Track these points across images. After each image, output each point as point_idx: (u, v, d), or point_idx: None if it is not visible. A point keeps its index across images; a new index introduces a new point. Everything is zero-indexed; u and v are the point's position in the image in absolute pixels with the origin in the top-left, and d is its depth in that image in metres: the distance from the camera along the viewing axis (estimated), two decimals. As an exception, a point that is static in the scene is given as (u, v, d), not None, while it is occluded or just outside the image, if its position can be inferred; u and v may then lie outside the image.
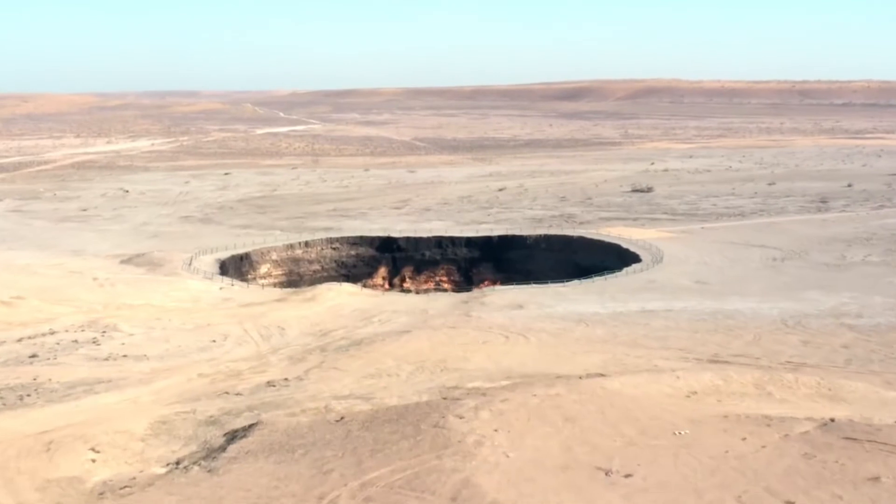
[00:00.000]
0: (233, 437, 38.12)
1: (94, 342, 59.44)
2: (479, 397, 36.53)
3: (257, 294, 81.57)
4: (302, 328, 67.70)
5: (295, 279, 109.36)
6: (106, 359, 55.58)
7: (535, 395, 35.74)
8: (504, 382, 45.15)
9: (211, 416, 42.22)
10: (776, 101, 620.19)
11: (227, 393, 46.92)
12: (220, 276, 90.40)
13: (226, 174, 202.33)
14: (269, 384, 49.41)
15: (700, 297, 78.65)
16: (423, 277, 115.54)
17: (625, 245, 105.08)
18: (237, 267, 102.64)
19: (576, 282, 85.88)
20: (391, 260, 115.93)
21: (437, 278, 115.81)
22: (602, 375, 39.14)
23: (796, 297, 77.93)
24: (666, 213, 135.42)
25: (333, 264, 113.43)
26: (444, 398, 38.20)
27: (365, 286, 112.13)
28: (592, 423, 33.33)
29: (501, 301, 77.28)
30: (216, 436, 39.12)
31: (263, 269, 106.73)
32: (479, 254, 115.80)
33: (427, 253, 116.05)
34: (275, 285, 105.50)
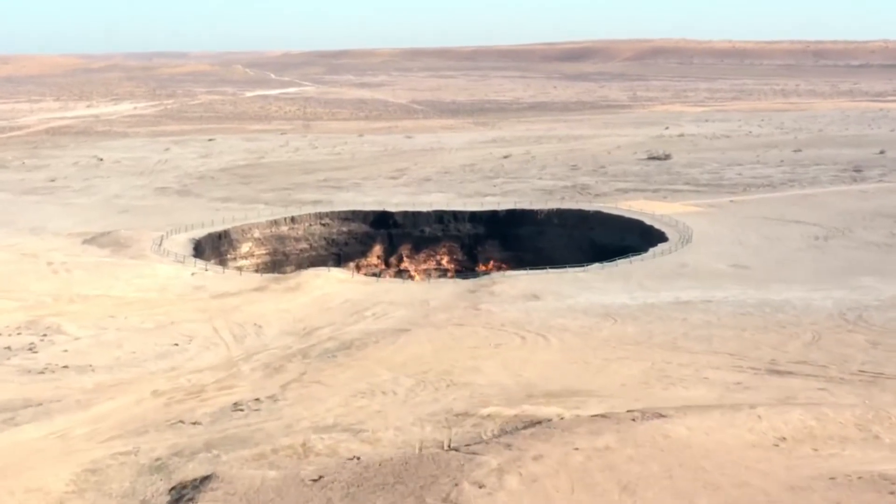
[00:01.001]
0: (179, 496, 29.65)
1: (30, 349, 50.91)
2: (502, 451, 28.01)
3: (234, 281, 72.97)
4: (282, 325, 59.25)
5: (280, 259, 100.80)
6: (42, 371, 47.09)
7: (577, 449, 27.30)
8: (528, 409, 36.72)
9: (157, 459, 33.81)
10: (790, 62, 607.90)
11: (182, 422, 38.50)
12: (194, 259, 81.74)
13: (210, 140, 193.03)
14: (237, 407, 40.99)
15: (740, 284, 70.19)
16: (422, 256, 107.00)
17: (648, 221, 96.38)
18: (215, 247, 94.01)
19: (597, 266, 77.30)
20: (387, 237, 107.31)
21: (438, 257, 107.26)
22: (661, 416, 30.65)
23: (849, 285, 69.53)
24: (688, 183, 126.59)
25: (323, 242, 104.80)
26: (455, 448, 29.68)
27: (358, 267, 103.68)
28: (659, 494, 24.88)
29: (514, 290, 68.76)
30: (159, 492, 30.69)
31: (244, 248, 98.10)
32: (484, 230, 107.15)
33: (427, 229, 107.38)
34: (257, 267, 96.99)
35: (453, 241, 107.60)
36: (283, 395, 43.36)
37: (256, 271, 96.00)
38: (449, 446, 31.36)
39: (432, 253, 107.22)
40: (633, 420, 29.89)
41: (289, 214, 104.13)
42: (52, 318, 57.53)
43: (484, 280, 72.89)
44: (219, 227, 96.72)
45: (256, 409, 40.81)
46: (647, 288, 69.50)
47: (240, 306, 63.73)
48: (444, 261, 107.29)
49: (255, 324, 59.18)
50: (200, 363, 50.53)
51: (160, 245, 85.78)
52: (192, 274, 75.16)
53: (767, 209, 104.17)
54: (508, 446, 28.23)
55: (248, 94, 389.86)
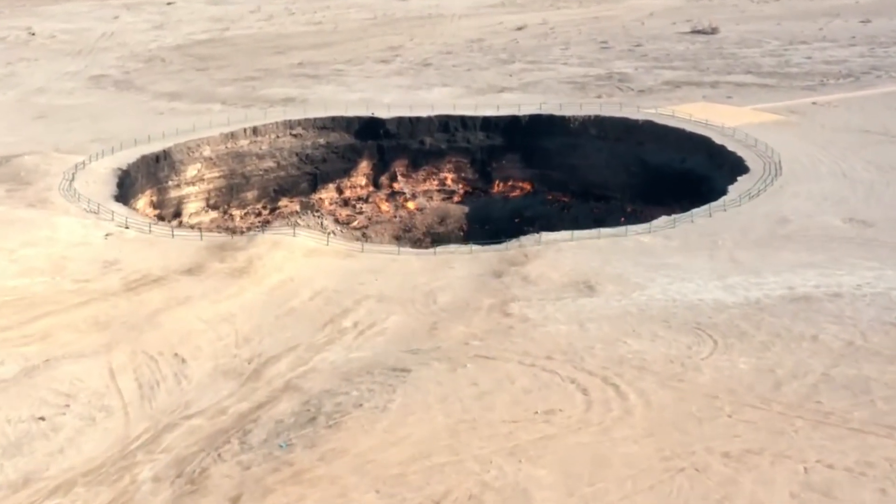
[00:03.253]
0: None
1: None
2: None
3: (159, 250, 54.22)
4: (217, 354, 41.11)
5: (238, 184, 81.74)
6: None
7: None
8: None
9: None
10: None
11: None
12: (115, 204, 62.65)
13: (168, 3, 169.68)
14: None
15: (870, 255, 51.84)
16: (421, 175, 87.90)
17: (718, 139, 76.99)
18: (151, 173, 74.81)
19: (664, 220, 58.50)
20: (376, 150, 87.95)
21: (442, 176, 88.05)
22: None
23: None
24: (750, 72, 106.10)
25: (294, 159, 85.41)
26: None
27: (339, 190, 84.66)
28: None
29: (556, 271, 50.23)
30: None
31: (191, 171, 78.74)
32: (501, 141, 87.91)
33: (427, 140, 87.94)
34: (208, 196, 78.18)
35: (461, 154, 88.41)
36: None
37: (207, 204, 77.31)
38: None
39: (435, 171, 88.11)
40: None
41: (250, 124, 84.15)
42: None
43: (513, 250, 53.96)
44: (157, 145, 77.04)
45: None
46: (743, 265, 51.05)
47: (159, 312, 45.09)
48: (450, 180, 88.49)
49: (175, 354, 40.71)
50: (74, 461, 32.36)
51: (72, 180, 66.47)
52: (107, 236, 56.28)
53: (862, 116, 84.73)
54: None
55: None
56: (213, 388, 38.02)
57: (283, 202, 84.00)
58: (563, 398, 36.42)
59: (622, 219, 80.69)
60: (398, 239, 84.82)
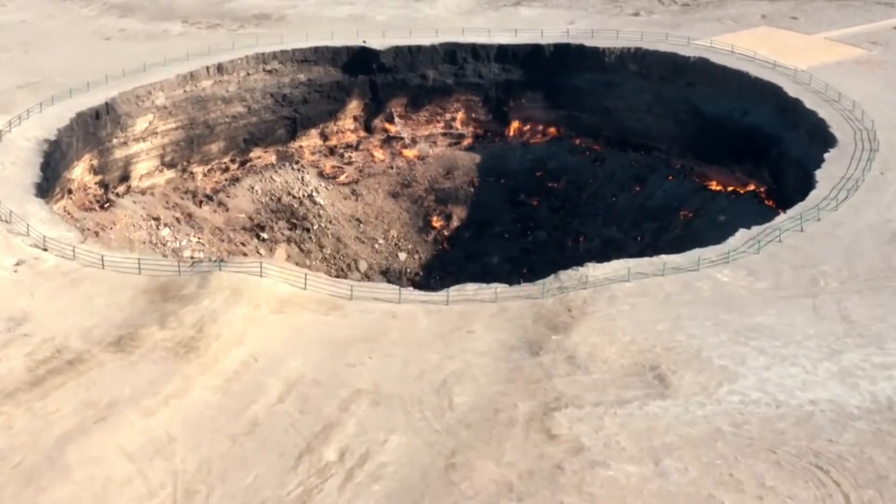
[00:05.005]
0: None
1: None
2: None
3: (84, 299, 41.52)
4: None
5: (200, 135, 68.64)
6: None
7: None
8: None
9: None
10: None
11: None
12: (34, 203, 49.53)
13: None
14: None
15: None
16: (422, 117, 74.64)
17: (791, 89, 63.11)
18: (89, 134, 61.44)
19: (744, 239, 45.70)
20: (368, 87, 74.02)
21: (448, 117, 74.41)
22: None
23: None
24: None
25: (269, 102, 71.66)
26: None
27: (324, 136, 71.13)
28: None
29: (612, 345, 38.15)
30: None
31: (141, 125, 65.04)
32: (519, 75, 74.52)
33: (431, 74, 74.15)
34: (160, 161, 65.08)
35: (472, 91, 75.18)
36: None
37: (162, 162, 64.46)
38: None
39: (440, 111, 74.74)
40: None
41: (214, 60, 69.61)
42: None
43: (551, 298, 41.15)
44: (98, 96, 62.99)
45: None
46: (860, 328, 39.19)
47: (70, 439, 32.74)
48: (458, 122, 74.75)
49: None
50: None
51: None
52: (17, 266, 43.53)
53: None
54: None
55: None
56: None
57: (256, 153, 70.84)
58: None
59: (669, 177, 68.01)
60: (395, 196, 72.12)
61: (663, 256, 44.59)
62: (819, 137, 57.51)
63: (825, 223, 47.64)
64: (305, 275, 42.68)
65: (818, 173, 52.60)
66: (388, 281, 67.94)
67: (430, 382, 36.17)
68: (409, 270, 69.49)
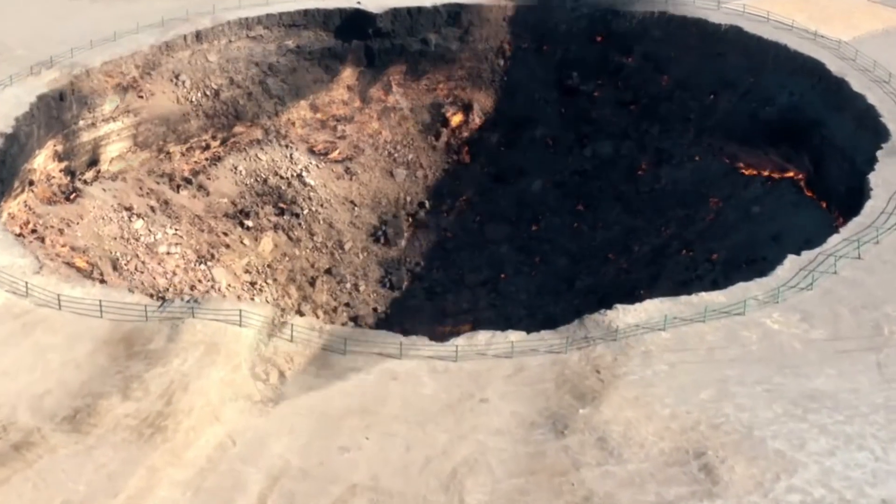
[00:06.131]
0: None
1: None
2: None
3: (36, 353, 36.38)
4: None
5: (176, 111, 61.84)
6: None
7: None
8: None
9: None
10: None
11: None
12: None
13: None
14: None
15: None
16: (423, 86, 68.08)
17: (834, 67, 56.93)
18: (52, 118, 55.64)
19: (793, 270, 40.18)
20: (364, 53, 67.76)
21: (452, 85, 68.04)
22: None
23: None
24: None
25: (254, 71, 65.65)
26: None
27: (315, 108, 65.17)
28: None
29: (650, 423, 33.39)
30: None
31: (109, 105, 58.76)
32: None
33: (433, 38, 67.37)
34: (133, 141, 59.51)
35: (478, 59, 67.72)
36: None
37: (135, 142, 59.14)
38: None
39: (444, 78, 67.86)
40: None
41: (191, 28, 63.06)
42: None
43: (577, 354, 35.85)
44: (61, 72, 56.66)
45: None
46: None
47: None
48: (463, 90, 68.33)
49: None
50: None
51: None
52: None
53: None
54: None
55: None
56: None
57: (240, 129, 64.87)
58: None
59: (696, 157, 62.20)
60: (392, 175, 66.30)
61: (703, 295, 39.07)
62: (868, 126, 51.84)
63: (885, 247, 42.19)
64: (292, 325, 37.14)
65: (872, 178, 46.93)
66: (380, 265, 62.53)
67: (438, 475, 31.10)
68: (408, 261, 63.82)
